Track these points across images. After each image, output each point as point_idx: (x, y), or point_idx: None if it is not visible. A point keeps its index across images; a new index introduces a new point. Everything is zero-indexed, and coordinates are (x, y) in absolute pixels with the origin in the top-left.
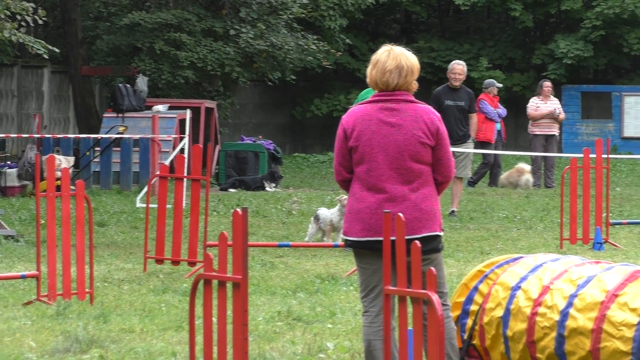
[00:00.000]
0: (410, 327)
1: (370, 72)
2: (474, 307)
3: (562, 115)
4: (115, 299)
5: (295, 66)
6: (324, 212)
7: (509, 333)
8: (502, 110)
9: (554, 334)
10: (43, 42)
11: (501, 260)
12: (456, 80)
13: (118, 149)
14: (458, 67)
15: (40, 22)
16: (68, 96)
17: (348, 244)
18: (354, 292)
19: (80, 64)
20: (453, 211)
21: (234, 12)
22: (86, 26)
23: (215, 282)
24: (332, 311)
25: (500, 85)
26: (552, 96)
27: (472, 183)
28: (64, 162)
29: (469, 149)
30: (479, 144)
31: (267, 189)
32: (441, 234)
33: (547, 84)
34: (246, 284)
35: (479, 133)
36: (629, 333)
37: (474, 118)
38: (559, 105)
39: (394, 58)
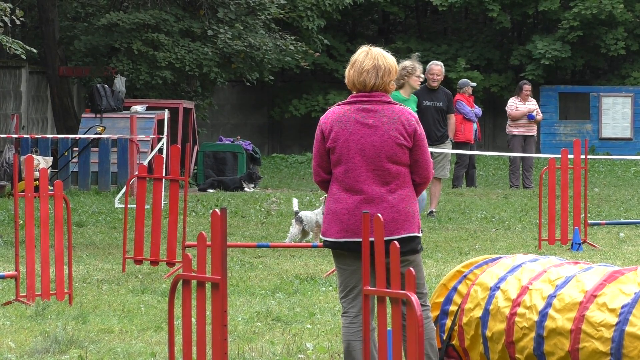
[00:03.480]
0: (389, 328)
1: (348, 72)
2: (453, 308)
3: (540, 116)
4: (94, 299)
5: (273, 67)
6: (307, 214)
7: (488, 333)
8: (478, 110)
9: (533, 335)
10: (21, 42)
11: (480, 260)
12: (434, 81)
13: (96, 149)
14: (436, 68)
15: (17, 22)
16: (46, 97)
17: (326, 244)
18: (333, 292)
19: (57, 65)
20: (432, 212)
21: (211, 12)
22: (64, 27)
23: (194, 283)
24: (311, 311)
25: (475, 84)
26: (530, 97)
27: (456, 187)
28: (42, 162)
29: (447, 149)
30: (460, 145)
31: (246, 189)
32: (419, 235)
33: (527, 87)
34: (225, 285)
35: (459, 134)
36: (608, 333)
37: (452, 119)
38: (537, 106)
39: (372, 58)
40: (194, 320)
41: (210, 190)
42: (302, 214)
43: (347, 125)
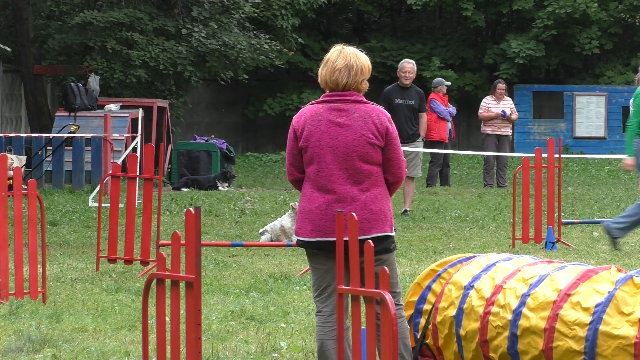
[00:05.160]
0: (363, 327)
1: (321, 71)
2: (427, 307)
3: (515, 115)
4: (68, 298)
5: (247, 65)
6: (272, 224)
7: (462, 332)
8: (452, 109)
9: (506, 333)
10: None
11: (454, 259)
12: (406, 79)
13: (70, 148)
14: (408, 66)
15: None
16: (20, 95)
17: (299, 244)
18: (307, 291)
19: (32, 63)
20: (406, 210)
21: (186, 11)
22: (38, 25)
23: (168, 282)
24: (285, 310)
25: (449, 83)
26: (505, 96)
27: (430, 185)
28: (16, 161)
29: (418, 147)
30: (434, 144)
31: (220, 188)
32: (392, 234)
33: (501, 86)
34: (199, 284)
35: (433, 133)
36: (582, 332)
37: (424, 117)
38: (512, 105)
39: (344, 57)
40: (167, 319)
41: (184, 189)
42: (266, 227)
43: (319, 125)
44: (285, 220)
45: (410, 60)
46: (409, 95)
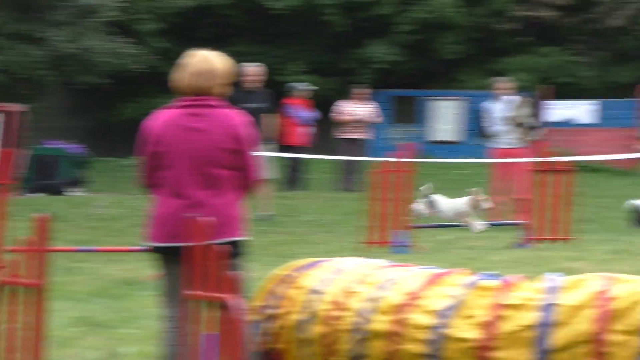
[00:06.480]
0: (210, 332)
1: (177, 75)
2: (272, 312)
3: (378, 119)
4: None
5: (106, 69)
6: (442, 200)
7: (308, 337)
8: (310, 113)
9: (352, 337)
10: None
11: (301, 264)
12: (250, 83)
13: None
14: (251, 69)
15: None
16: None
17: (150, 249)
18: (155, 297)
19: None
20: (264, 215)
21: (43, 15)
22: None
23: (12, 288)
24: (133, 316)
25: (307, 87)
26: (366, 100)
27: (284, 190)
28: None
29: (269, 150)
30: (289, 148)
31: (72, 193)
32: (243, 239)
33: (359, 91)
34: (46, 289)
35: (289, 137)
36: (427, 335)
37: (273, 118)
38: (374, 109)
39: (200, 62)
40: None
41: (36, 194)
42: (435, 197)
43: (172, 129)
44: (461, 205)
45: (252, 64)
46: (256, 98)
